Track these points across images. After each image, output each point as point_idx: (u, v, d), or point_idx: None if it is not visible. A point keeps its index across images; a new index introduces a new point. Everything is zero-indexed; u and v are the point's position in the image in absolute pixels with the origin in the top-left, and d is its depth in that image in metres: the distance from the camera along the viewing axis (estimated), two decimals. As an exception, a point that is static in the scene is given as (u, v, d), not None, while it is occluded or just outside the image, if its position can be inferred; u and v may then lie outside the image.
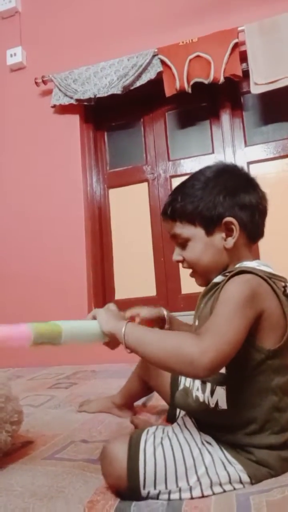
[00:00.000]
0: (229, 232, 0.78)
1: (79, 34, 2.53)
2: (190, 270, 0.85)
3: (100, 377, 1.83)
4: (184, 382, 0.88)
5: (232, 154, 2.34)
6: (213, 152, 2.39)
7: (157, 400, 1.24)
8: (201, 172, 0.85)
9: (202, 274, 0.82)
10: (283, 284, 0.75)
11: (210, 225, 0.79)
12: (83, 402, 1.35)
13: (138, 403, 1.26)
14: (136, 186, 2.52)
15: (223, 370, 0.73)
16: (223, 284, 0.72)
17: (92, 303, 2.39)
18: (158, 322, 1.01)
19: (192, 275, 0.86)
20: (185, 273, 2.43)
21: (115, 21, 2.46)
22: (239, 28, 2.11)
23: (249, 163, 2.30)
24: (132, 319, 0.97)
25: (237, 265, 0.77)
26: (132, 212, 2.52)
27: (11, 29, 2.69)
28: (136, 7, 2.43)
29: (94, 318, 0.80)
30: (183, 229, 0.81)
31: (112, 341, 0.77)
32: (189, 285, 2.31)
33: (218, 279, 0.78)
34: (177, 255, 0.84)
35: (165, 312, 1.02)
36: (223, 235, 0.78)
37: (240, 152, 2.33)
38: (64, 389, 1.65)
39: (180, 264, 0.88)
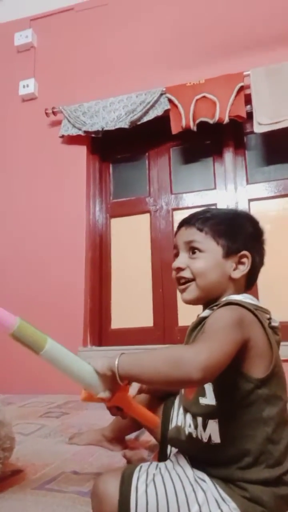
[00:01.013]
0: (240, 264, 0.82)
1: (91, 69, 2.64)
2: (186, 282, 0.83)
3: (91, 407, 1.79)
4: (176, 421, 0.86)
5: (234, 190, 2.39)
6: (215, 188, 2.44)
7: (149, 435, 1.22)
8: (230, 209, 0.92)
9: (201, 288, 0.82)
10: (268, 316, 0.78)
11: (230, 250, 0.82)
12: (73, 434, 1.32)
13: (130, 436, 1.23)
14: (138, 217, 2.57)
15: (213, 402, 0.73)
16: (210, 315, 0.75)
17: (88, 330, 2.38)
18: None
19: (185, 288, 0.83)
20: (182, 305, 2.42)
21: (125, 58, 2.58)
22: (245, 73, 2.21)
23: (250, 200, 2.35)
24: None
25: (224, 299, 0.79)
26: (132, 242, 2.55)
27: (26, 62, 2.81)
28: (146, 47, 2.55)
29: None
30: (205, 240, 0.83)
31: (105, 383, 0.73)
32: (186, 317, 2.31)
33: (205, 313, 0.80)
34: (181, 262, 0.84)
35: None
36: (234, 265, 0.82)
37: (241, 189, 2.39)
38: (55, 418, 1.62)
39: (179, 295, 0.88)
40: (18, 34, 2.83)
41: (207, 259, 0.82)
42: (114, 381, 0.71)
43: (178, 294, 2.40)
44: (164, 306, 2.37)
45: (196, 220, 0.85)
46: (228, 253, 0.82)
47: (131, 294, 2.47)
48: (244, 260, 0.82)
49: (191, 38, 2.47)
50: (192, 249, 0.83)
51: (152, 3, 2.60)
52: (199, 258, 0.82)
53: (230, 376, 0.71)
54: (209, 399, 0.75)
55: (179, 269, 0.84)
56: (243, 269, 0.82)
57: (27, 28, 2.84)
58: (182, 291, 0.84)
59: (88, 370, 0.73)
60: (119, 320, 2.46)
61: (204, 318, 0.78)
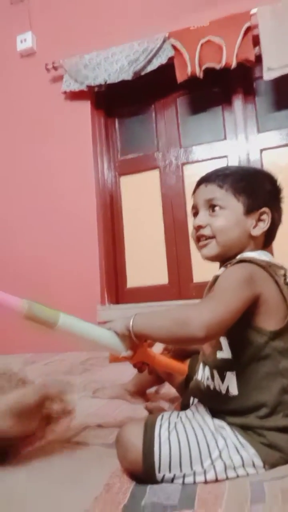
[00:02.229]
0: (259, 222, 0.83)
1: (90, 18, 2.50)
2: (206, 239, 0.84)
3: (114, 364, 1.85)
4: (197, 376, 0.90)
5: (244, 140, 2.31)
6: (225, 139, 2.36)
7: (169, 388, 1.26)
8: (250, 167, 0.92)
9: (221, 245, 0.82)
10: (283, 272, 0.79)
11: (251, 207, 0.82)
12: (97, 389, 1.38)
13: (151, 390, 1.28)
14: (147, 174, 2.52)
15: (229, 356, 0.77)
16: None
17: (105, 289, 2.42)
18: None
19: (206, 243, 0.84)
20: (197, 262, 2.43)
21: (125, 5, 2.43)
22: (252, 12, 2.06)
23: (262, 149, 2.28)
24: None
25: (238, 256, 0.81)
26: (143, 200, 2.52)
27: (21, 14, 2.66)
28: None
29: None
30: (225, 197, 0.82)
31: (126, 343, 0.78)
32: (201, 273, 2.33)
33: (219, 271, 0.82)
34: (201, 220, 0.84)
35: None
36: (254, 222, 0.82)
37: (252, 139, 2.31)
38: (78, 375, 1.69)
39: (193, 252, 0.89)
40: (9, -17, 2.67)
41: (228, 216, 0.82)
42: (133, 340, 0.76)
43: (192, 250, 2.39)
44: (178, 263, 2.38)
45: (216, 177, 0.84)
46: (249, 210, 0.82)
47: (144, 252, 2.48)
48: (264, 217, 0.82)
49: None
50: (213, 207, 0.83)
51: None
52: (220, 215, 0.82)
53: (243, 330, 0.74)
54: (225, 352, 0.78)
55: (200, 227, 0.84)
56: (263, 226, 0.82)
57: (18, -24, 2.66)
58: (202, 247, 0.85)
59: (107, 335, 0.78)
60: (134, 278, 2.49)
61: (218, 277, 0.80)
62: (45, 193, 2.53)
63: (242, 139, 2.32)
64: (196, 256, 2.32)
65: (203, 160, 2.39)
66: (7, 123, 2.66)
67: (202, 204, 0.84)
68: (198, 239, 0.86)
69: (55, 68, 2.48)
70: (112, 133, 2.62)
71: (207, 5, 2.22)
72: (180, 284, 2.38)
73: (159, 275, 2.41)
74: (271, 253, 0.87)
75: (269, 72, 2.03)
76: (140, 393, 1.24)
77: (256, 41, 2.07)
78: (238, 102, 2.33)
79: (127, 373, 1.42)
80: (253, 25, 2.07)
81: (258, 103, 2.32)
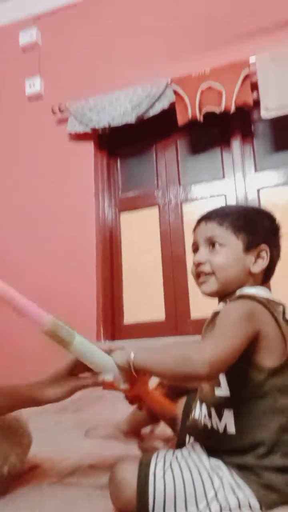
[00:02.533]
0: (258, 258, 0.84)
1: (95, 64, 2.64)
2: (206, 276, 0.84)
3: (107, 402, 1.80)
4: (194, 414, 0.88)
5: (242, 179, 2.37)
6: (223, 177, 2.42)
7: (165, 428, 1.22)
8: (248, 206, 0.94)
9: (221, 281, 0.83)
10: (281, 308, 0.79)
11: (250, 244, 0.83)
12: (90, 428, 1.33)
13: (146, 430, 1.24)
14: (147, 211, 2.56)
15: (227, 393, 0.76)
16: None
17: (101, 324, 2.39)
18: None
19: (205, 279, 0.85)
20: (194, 298, 2.42)
21: (129, 51, 2.56)
22: (250, 61, 2.18)
23: (259, 189, 2.33)
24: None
25: (237, 292, 0.81)
26: (142, 236, 2.55)
27: (31, 60, 2.81)
28: (149, 39, 2.53)
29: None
30: (225, 235, 0.84)
31: (124, 376, 0.78)
32: (198, 309, 2.31)
33: (219, 307, 0.83)
34: (201, 256, 0.85)
35: None
36: (253, 259, 0.83)
37: (250, 178, 2.36)
38: (71, 413, 1.64)
39: (190, 288, 0.90)
40: (22, 33, 2.84)
41: (228, 253, 0.83)
42: (131, 373, 0.75)
43: (190, 286, 2.40)
44: (175, 299, 2.37)
45: (216, 215, 0.86)
46: (248, 247, 0.83)
47: (142, 287, 2.47)
48: (263, 254, 0.83)
49: (194, 27, 2.44)
50: (213, 244, 0.84)
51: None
52: (220, 252, 0.83)
53: (242, 367, 0.73)
54: (223, 390, 0.77)
55: (200, 264, 0.85)
56: (262, 263, 0.83)
57: (31, 26, 2.84)
58: (202, 283, 0.85)
59: (110, 363, 0.78)
60: (131, 314, 2.47)
61: (218, 313, 0.80)
62: (47, 227, 2.56)
63: (240, 178, 2.37)
64: (193, 292, 2.32)
65: (201, 198, 2.44)
66: (14, 162, 2.74)
67: (202, 241, 0.86)
68: (198, 275, 0.86)
69: (61, 111, 2.58)
70: (114, 172, 2.69)
71: (208, 52, 2.35)
72: (177, 320, 2.35)
73: (156, 311, 2.39)
74: (269, 288, 0.88)
75: (267, 112, 2.11)
76: (134, 433, 1.20)
77: (254, 87, 2.17)
78: (236, 143, 2.41)
79: (121, 412, 1.38)
80: (251, 72, 2.18)
81: (256, 144, 2.40)
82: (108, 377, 0.77)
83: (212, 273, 0.83)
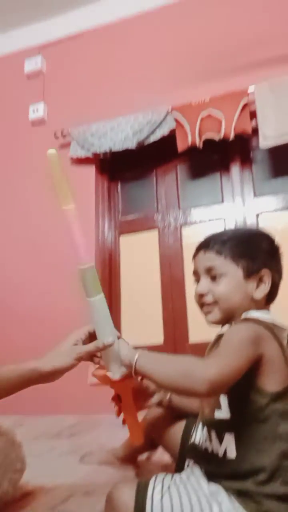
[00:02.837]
0: (260, 283, 0.84)
1: (98, 91, 2.71)
2: (209, 306, 0.85)
3: (103, 428, 1.77)
4: (194, 438, 0.86)
5: (241, 204, 2.40)
6: (222, 202, 2.45)
7: (162, 455, 1.20)
8: (245, 228, 0.95)
9: (224, 310, 0.83)
10: (286, 333, 0.79)
11: (251, 271, 0.83)
12: (85, 454, 1.30)
13: (142, 456, 1.21)
14: (146, 233, 2.58)
15: (228, 416, 0.75)
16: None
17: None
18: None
19: (209, 309, 0.85)
20: (193, 322, 2.40)
21: (131, 80, 2.63)
22: (249, 90, 2.24)
23: (258, 214, 2.35)
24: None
25: (243, 315, 0.81)
26: (142, 259, 2.55)
27: (35, 87, 2.88)
28: (151, 67, 2.60)
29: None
30: (225, 264, 0.84)
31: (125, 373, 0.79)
32: (197, 333, 2.29)
33: (224, 330, 0.83)
34: (204, 287, 0.85)
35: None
36: (255, 285, 0.83)
37: (249, 203, 2.39)
38: (66, 439, 1.60)
39: (189, 312, 0.90)
40: (27, 61, 2.92)
41: (229, 282, 0.83)
42: (128, 371, 0.77)
43: (189, 310, 2.38)
44: (174, 323, 2.35)
45: (214, 243, 0.86)
46: (249, 274, 0.83)
47: (141, 311, 2.46)
48: (265, 279, 0.84)
49: (195, 57, 2.52)
50: (213, 274, 0.84)
51: (156, 27, 2.67)
52: (221, 282, 0.83)
53: (244, 390, 0.73)
54: (224, 412, 0.76)
55: (202, 295, 0.85)
56: (265, 288, 0.83)
57: (36, 55, 2.93)
58: (206, 314, 0.86)
59: (115, 348, 0.79)
60: (129, 337, 2.42)
61: (222, 335, 0.80)
62: (47, 247, 2.57)
63: (239, 203, 2.40)
64: (192, 316, 2.31)
65: (201, 222, 2.46)
66: (16, 185, 2.77)
67: (203, 272, 0.86)
68: (201, 305, 0.87)
69: (63, 136, 2.63)
70: (114, 195, 2.72)
71: (208, 81, 2.42)
72: (175, 344, 2.33)
73: (154, 335, 2.37)
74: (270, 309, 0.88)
75: (265, 141, 2.15)
76: (130, 459, 1.17)
77: (253, 115, 2.22)
78: (235, 169, 2.45)
79: (117, 438, 1.35)
80: (250, 101, 2.23)
81: (255, 170, 2.44)
82: (108, 341, 0.78)
83: (215, 303, 0.83)
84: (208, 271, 0.85)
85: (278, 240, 0.92)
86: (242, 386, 0.72)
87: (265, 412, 0.72)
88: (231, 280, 0.83)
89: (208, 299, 0.84)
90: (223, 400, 0.76)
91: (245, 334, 0.74)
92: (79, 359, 0.81)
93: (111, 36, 2.77)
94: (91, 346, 0.81)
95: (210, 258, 0.85)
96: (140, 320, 2.44)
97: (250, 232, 0.97)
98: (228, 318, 0.83)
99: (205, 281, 0.85)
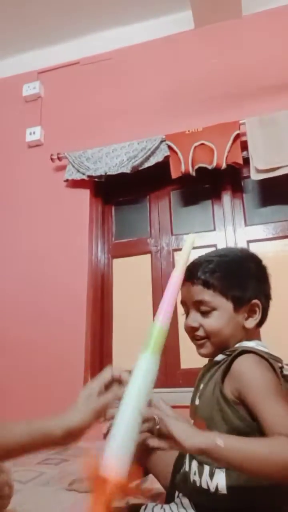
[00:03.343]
0: (251, 313, 0.83)
1: (94, 118, 2.78)
2: (201, 340, 0.83)
3: (91, 454, 1.74)
4: (184, 469, 0.85)
5: (232, 232, 2.45)
6: (214, 229, 2.50)
7: (151, 483, 1.18)
8: (232, 251, 0.94)
9: (216, 344, 0.82)
10: (280, 364, 0.78)
11: (240, 303, 0.82)
12: (73, 480, 1.28)
13: (132, 485, 1.20)
14: (139, 257, 2.60)
15: None
16: (228, 363, 0.76)
17: (89, 372, 2.35)
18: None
19: (202, 344, 0.83)
20: (184, 348, 2.41)
21: (127, 108, 2.71)
22: (241, 121, 2.32)
23: (248, 241, 2.40)
24: None
25: (237, 345, 0.81)
26: (134, 282, 2.57)
27: (33, 111, 2.95)
28: (147, 98, 2.69)
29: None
30: (214, 298, 0.82)
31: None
32: (188, 359, 2.29)
33: (219, 357, 0.82)
34: (194, 321, 0.83)
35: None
36: (246, 314, 0.82)
37: (240, 231, 2.44)
38: (54, 465, 1.58)
39: (181, 338, 0.89)
40: (26, 86, 3.00)
41: (219, 317, 0.81)
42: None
43: (180, 336, 2.37)
44: (165, 348, 2.33)
45: (201, 274, 0.83)
46: (239, 306, 0.82)
47: (133, 334, 2.45)
48: (255, 308, 0.83)
49: (189, 89, 2.61)
50: (202, 309, 0.83)
51: (152, 58, 2.77)
52: (211, 316, 0.81)
53: (237, 423, 0.72)
54: None
55: (193, 329, 0.84)
56: (256, 317, 0.83)
57: (35, 80, 3.00)
58: (198, 347, 0.85)
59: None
60: (120, 361, 2.43)
61: (218, 362, 0.80)
62: (40, 270, 2.57)
63: (230, 231, 2.45)
64: (183, 342, 2.31)
65: (193, 248, 2.49)
66: (11, 207, 2.79)
67: (192, 304, 0.84)
68: (192, 338, 0.86)
69: (59, 159, 2.68)
70: (108, 219, 2.76)
71: (202, 113, 2.50)
72: (166, 371, 2.32)
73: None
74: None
75: (257, 174, 2.22)
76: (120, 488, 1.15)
77: (244, 146, 2.29)
78: (227, 198, 2.51)
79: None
80: (241, 133, 2.31)
81: (246, 199, 2.50)
82: (141, 410, 0.64)
83: (207, 337, 0.82)
84: (196, 305, 0.83)
85: (269, 268, 0.92)
86: (236, 419, 0.71)
87: None
88: (222, 314, 0.81)
89: (200, 333, 0.83)
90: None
91: (268, 376, 0.70)
92: (97, 414, 0.69)
93: (107, 65, 2.86)
94: (109, 396, 0.71)
95: (198, 292, 0.82)
96: (132, 343, 2.43)
97: (237, 256, 0.91)
98: (220, 349, 0.82)
99: (194, 314, 0.83)
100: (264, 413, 0.67)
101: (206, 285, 0.82)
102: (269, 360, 0.74)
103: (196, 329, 0.83)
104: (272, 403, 0.68)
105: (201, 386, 0.83)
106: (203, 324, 0.82)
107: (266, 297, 0.86)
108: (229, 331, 0.81)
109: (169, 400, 0.84)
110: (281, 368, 0.77)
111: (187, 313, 0.87)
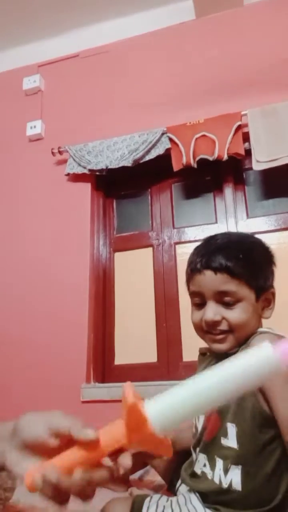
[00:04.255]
0: (266, 302, 0.79)
1: (95, 111, 2.76)
2: (221, 334, 0.76)
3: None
4: (189, 462, 0.84)
5: (234, 224, 2.44)
6: (216, 222, 2.49)
7: (154, 475, 1.19)
8: (242, 236, 0.88)
9: (239, 339, 0.76)
10: None
11: (262, 291, 0.78)
12: (76, 473, 1.29)
13: (135, 476, 1.20)
14: (141, 251, 2.60)
15: (235, 445, 0.71)
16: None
17: (91, 366, 2.36)
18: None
19: (222, 339, 0.76)
20: (186, 341, 2.41)
21: (128, 101, 2.69)
22: (242, 112, 2.30)
23: (251, 233, 2.39)
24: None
25: (258, 332, 0.77)
26: (136, 276, 2.57)
27: (33, 104, 2.93)
28: (147, 90, 2.67)
29: None
30: (240, 289, 0.75)
31: None
32: (190, 352, 2.29)
33: (233, 350, 0.77)
34: (216, 314, 0.75)
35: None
36: (263, 304, 0.79)
37: (242, 223, 2.43)
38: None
39: (183, 330, 0.87)
40: (26, 79, 2.97)
41: (246, 309, 0.75)
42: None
43: (182, 329, 2.37)
44: (168, 341, 2.36)
45: (225, 262, 0.75)
46: (259, 295, 0.77)
47: (134, 328, 2.46)
48: (269, 297, 0.79)
49: (190, 80, 2.59)
50: (227, 300, 0.75)
51: (153, 49, 2.74)
52: (237, 308, 0.75)
53: (253, 420, 0.70)
54: (231, 441, 0.72)
55: (215, 323, 0.75)
56: (272, 307, 0.79)
57: (35, 73, 2.98)
58: (217, 342, 0.77)
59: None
60: (122, 355, 2.44)
61: (229, 354, 0.77)
62: (42, 265, 2.57)
63: (232, 223, 2.44)
64: (186, 335, 2.32)
65: (195, 241, 2.49)
66: (12, 201, 2.79)
67: (212, 295, 0.76)
68: (208, 332, 0.78)
69: (60, 153, 2.67)
70: (110, 212, 2.75)
71: (203, 104, 2.48)
72: (169, 363, 2.33)
73: (148, 353, 2.37)
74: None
75: (258, 164, 2.21)
76: (122, 479, 1.15)
77: (246, 138, 2.28)
78: (228, 190, 2.50)
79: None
80: (243, 124, 2.29)
81: (247, 191, 2.49)
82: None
83: (229, 331, 0.75)
84: (219, 296, 0.75)
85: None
86: (253, 415, 0.69)
87: (273, 444, 0.68)
88: (247, 306, 0.75)
89: (223, 327, 0.75)
90: (231, 429, 0.72)
91: None
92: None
93: (108, 58, 2.84)
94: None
95: (224, 281, 0.74)
96: (134, 338, 2.44)
97: (253, 243, 0.85)
98: (240, 344, 0.77)
99: (215, 306, 0.75)
100: (279, 406, 0.65)
101: (232, 274, 0.75)
102: None
103: (218, 323, 0.76)
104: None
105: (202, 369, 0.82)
106: (228, 317, 0.75)
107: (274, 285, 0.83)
108: (254, 322, 0.76)
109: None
110: None
111: (199, 305, 0.79)
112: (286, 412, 0.65)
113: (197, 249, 0.85)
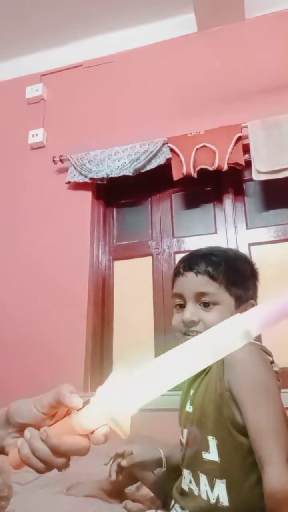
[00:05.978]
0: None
1: (97, 120, 2.78)
2: (195, 335, 0.74)
3: (92, 456, 1.73)
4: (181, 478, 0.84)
5: (234, 235, 2.44)
6: (215, 232, 2.50)
7: (148, 490, 1.18)
8: (229, 249, 0.90)
9: None
10: (270, 359, 0.77)
11: (241, 301, 0.80)
12: (71, 485, 1.28)
13: (130, 489, 1.19)
14: (140, 260, 2.60)
15: (216, 458, 0.71)
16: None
17: (89, 374, 2.35)
18: (152, 466, 0.91)
19: None
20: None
21: (130, 111, 2.72)
22: (243, 124, 2.32)
23: (250, 244, 2.40)
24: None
25: None
26: (135, 284, 2.57)
27: (36, 113, 2.96)
28: (149, 100, 2.69)
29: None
30: (219, 292, 0.77)
31: None
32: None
33: None
34: (193, 314, 0.78)
35: (162, 454, 0.90)
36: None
37: (241, 234, 2.44)
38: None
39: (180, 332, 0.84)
40: (29, 88, 3.00)
41: (222, 312, 0.77)
42: None
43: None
44: (166, 349, 2.33)
45: (206, 265, 0.78)
46: (239, 304, 0.79)
47: (133, 336, 2.45)
48: (250, 308, 0.80)
49: (191, 92, 2.62)
50: (204, 301, 0.78)
51: (154, 60, 2.78)
52: (214, 311, 0.77)
53: (232, 430, 0.70)
54: (212, 454, 0.72)
55: (191, 323, 0.78)
56: None
57: (38, 82, 3.01)
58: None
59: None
60: (120, 363, 2.43)
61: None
62: (42, 273, 2.57)
63: (231, 234, 2.45)
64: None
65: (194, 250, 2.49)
66: (13, 208, 2.80)
67: (191, 297, 0.79)
68: (187, 334, 0.80)
69: (61, 161, 2.68)
70: (110, 221, 2.76)
71: (204, 116, 2.50)
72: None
73: (146, 360, 2.36)
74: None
75: (258, 175, 2.22)
76: (117, 492, 1.15)
77: (246, 149, 2.29)
78: (228, 201, 2.51)
79: (106, 469, 1.33)
80: (243, 136, 2.31)
81: (247, 202, 2.50)
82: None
83: None
84: (198, 297, 0.78)
85: (270, 271, 0.93)
86: (230, 429, 0.69)
87: (253, 454, 0.68)
88: (224, 310, 0.77)
89: (199, 328, 0.77)
90: (212, 442, 0.72)
91: (265, 375, 0.66)
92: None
93: (110, 68, 2.87)
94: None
95: (203, 283, 0.78)
96: (132, 345, 2.44)
97: (236, 255, 0.89)
98: None
99: (194, 307, 0.78)
100: (248, 412, 0.66)
101: (212, 277, 0.78)
102: (268, 354, 0.73)
103: (195, 323, 0.78)
104: (256, 405, 0.67)
105: (191, 392, 0.81)
106: (204, 318, 0.78)
107: (256, 301, 0.84)
108: None
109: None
110: (272, 363, 0.76)
111: (180, 307, 0.82)
112: (254, 420, 0.66)
113: (182, 257, 0.90)
